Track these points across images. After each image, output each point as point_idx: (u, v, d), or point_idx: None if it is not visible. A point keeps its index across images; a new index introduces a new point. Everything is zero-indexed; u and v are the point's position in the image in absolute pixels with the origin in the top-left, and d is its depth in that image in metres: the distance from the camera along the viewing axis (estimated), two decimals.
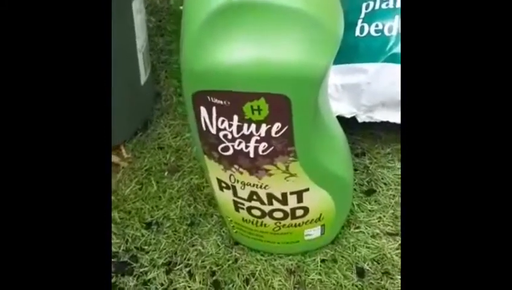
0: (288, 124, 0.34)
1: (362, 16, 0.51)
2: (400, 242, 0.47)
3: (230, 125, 0.34)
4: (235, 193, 0.41)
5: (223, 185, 0.41)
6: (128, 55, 0.52)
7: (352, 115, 0.52)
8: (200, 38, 0.31)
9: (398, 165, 0.54)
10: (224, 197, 0.42)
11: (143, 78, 0.56)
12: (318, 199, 0.41)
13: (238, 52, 0.31)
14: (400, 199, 0.51)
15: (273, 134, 0.35)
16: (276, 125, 0.34)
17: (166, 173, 0.54)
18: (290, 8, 0.30)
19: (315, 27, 0.31)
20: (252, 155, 0.36)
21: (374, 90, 0.50)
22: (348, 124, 0.52)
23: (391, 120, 0.52)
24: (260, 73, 0.31)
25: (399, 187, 0.52)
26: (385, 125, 0.54)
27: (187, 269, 0.47)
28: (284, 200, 0.40)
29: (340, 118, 0.53)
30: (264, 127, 0.34)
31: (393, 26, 0.49)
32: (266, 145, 0.35)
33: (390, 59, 0.49)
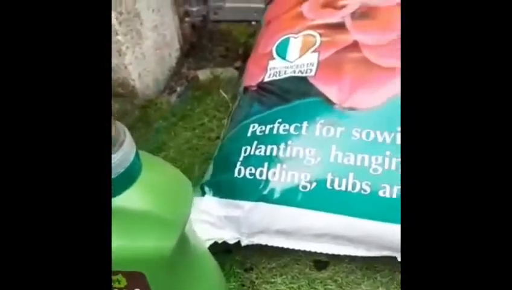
0: (146, 289, 0.40)
1: (241, 158, 0.58)
2: None
3: None
4: None
5: None
6: None
7: (236, 241, 0.59)
8: None
9: (279, 280, 0.60)
10: None
11: None
12: None
13: None
14: None
15: None
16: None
17: None
18: (141, 211, 0.37)
19: (162, 221, 0.38)
20: None
21: (251, 222, 0.56)
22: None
23: (269, 244, 0.59)
24: (116, 258, 0.37)
25: None
26: None
27: None
28: None
29: None
30: None
31: (263, 171, 0.56)
32: None
33: (262, 199, 0.56)
